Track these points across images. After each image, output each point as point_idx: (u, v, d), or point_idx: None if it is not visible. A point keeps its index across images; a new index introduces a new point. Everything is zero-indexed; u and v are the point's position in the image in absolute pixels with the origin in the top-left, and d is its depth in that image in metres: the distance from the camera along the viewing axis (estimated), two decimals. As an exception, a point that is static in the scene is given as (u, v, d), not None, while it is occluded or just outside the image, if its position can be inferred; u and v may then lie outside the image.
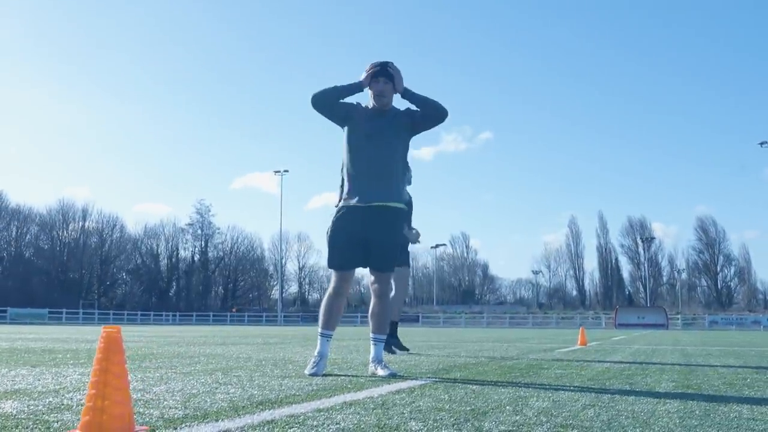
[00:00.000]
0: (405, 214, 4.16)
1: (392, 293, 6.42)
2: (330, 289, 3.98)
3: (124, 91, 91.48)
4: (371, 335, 4.03)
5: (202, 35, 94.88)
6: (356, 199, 3.89)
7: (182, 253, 75.09)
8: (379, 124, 3.96)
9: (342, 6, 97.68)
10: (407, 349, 6.33)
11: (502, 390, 3.05)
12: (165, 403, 2.47)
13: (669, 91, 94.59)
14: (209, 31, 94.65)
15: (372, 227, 3.88)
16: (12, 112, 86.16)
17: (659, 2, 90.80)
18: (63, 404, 2.41)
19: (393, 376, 3.66)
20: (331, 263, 3.94)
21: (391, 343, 6.37)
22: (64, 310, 49.30)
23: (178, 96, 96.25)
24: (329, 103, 3.97)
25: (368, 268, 4.03)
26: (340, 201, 3.99)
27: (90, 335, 12.28)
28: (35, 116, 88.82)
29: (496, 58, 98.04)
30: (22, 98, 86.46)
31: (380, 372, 3.75)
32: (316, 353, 3.88)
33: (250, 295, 79.01)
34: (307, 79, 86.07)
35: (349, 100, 4.01)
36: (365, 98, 4.07)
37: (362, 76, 3.96)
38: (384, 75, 3.95)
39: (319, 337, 3.94)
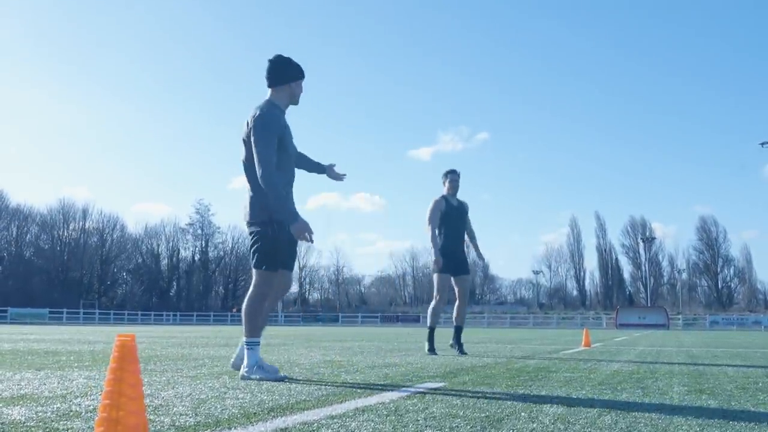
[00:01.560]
0: None
1: (457, 302, 6.70)
2: (260, 293, 3.75)
3: (124, 91, 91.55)
4: (245, 338, 3.74)
5: (201, 35, 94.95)
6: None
7: (183, 253, 75.05)
8: (292, 140, 3.97)
9: (342, 6, 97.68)
10: (466, 353, 6.51)
11: (514, 395, 3.01)
12: (175, 409, 2.43)
13: (669, 90, 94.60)
14: (208, 30, 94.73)
15: (292, 238, 3.78)
16: (12, 112, 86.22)
17: (659, 2, 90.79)
18: (72, 411, 2.37)
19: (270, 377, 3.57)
20: (273, 265, 3.73)
21: (458, 344, 6.64)
22: (65, 310, 49.26)
23: (177, 96, 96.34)
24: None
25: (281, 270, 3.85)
26: (255, 215, 3.75)
27: (91, 336, 12.25)
28: (35, 116, 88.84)
29: (493, 58, 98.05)
30: (22, 98, 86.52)
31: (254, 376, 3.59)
32: (266, 368, 3.62)
33: (251, 295, 78.77)
34: (307, 79, 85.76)
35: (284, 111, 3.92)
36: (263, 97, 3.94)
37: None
38: (302, 78, 4.01)
39: (254, 347, 3.66)
